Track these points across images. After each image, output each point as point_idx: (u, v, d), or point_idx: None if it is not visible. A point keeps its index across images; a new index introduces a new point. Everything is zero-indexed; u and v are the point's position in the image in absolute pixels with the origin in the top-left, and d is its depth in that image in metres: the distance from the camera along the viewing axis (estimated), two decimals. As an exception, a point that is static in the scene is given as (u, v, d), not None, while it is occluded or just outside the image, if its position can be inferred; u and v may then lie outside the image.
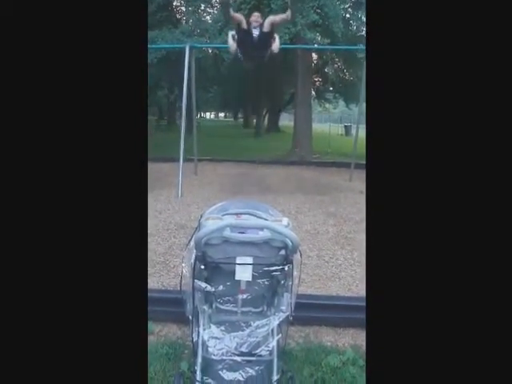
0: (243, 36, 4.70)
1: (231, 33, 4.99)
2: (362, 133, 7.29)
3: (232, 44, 4.88)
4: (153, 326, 2.49)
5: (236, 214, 1.76)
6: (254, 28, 4.64)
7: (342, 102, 24.10)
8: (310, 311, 2.51)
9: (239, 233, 1.61)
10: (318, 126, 19.33)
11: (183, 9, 13.98)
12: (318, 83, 20.23)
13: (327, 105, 24.64)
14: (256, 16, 4.69)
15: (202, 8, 12.16)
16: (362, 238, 4.20)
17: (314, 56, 14.86)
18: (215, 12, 11.67)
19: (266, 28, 4.63)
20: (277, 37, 4.90)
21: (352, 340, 2.44)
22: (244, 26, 4.64)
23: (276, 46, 4.83)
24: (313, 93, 17.66)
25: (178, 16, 14.37)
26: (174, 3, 14.49)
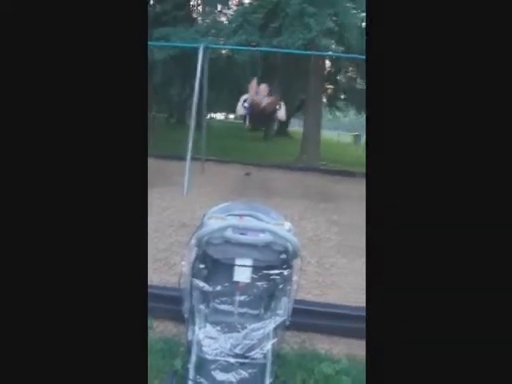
0: (252, 103, 5.26)
1: (243, 97, 5.45)
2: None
3: (240, 108, 5.44)
4: (150, 322, 2.50)
5: (239, 215, 1.76)
6: (263, 97, 5.24)
7: (352, 111, 24.05)
8: (307, 317, 2.51)
9: (240, 234, 1.61)
10: (327, 134, 19.30)
11: (200, 8, 14.06)
12: (329, 91, 20.17)
13: (337, 113, 24.56)
14: (264, 86, 5.36)
15: (219, 9, 12.21)
16: (364, 247, 4.17)
17: (328, 63, 14.82)
18: (231, 13, 11.70)
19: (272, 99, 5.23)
20: (283, 105, 5.31)
21: (347, 349, 2.43)
22: (256, 97, 5.24)
23: (282, 114, 5.35)
24: (324, 100, 17.59)
25: (194, 16, 14.43)
26: (191, 2, 14.57)
